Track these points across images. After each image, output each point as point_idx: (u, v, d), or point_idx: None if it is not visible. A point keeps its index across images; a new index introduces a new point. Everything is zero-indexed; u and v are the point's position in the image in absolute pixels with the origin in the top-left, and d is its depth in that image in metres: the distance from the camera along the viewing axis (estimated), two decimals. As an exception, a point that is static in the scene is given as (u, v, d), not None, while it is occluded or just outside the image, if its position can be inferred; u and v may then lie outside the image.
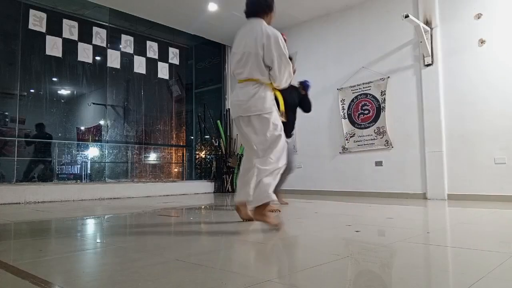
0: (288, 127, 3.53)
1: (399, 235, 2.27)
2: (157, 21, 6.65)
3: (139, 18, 6.51)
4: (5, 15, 5.72)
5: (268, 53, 2.47)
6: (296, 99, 3.92)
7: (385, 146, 5.46)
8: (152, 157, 7.90)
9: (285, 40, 2.66)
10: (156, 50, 6.77)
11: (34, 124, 6.31)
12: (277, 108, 2.64)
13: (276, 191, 3.26)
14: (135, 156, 7.40)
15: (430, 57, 5.05)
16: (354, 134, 5.82)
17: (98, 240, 2.30)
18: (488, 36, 4.69)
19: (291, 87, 3.57)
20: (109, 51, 6.22)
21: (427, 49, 5.02)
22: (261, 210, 2.45)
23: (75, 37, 5.71)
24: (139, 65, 6.55)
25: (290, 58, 2.65)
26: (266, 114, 2.51)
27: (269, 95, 2.57)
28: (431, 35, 5.08)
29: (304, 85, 3.97)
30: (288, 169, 3.68)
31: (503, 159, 4.50)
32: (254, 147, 2.57)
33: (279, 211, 3.54)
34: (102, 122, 7.18)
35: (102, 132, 6.96)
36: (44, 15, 5.43)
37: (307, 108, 4.01)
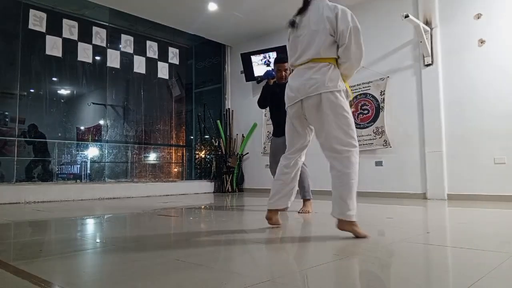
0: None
1: (399, 235, 2.27)
2: (157, 21, 6.64)
3: (139, 18, 6.50)
4: (5, 15, 5.71)
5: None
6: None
7: (384, 146, 5.46)
8: (152, 157, 7.90)
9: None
10: (156, 50, 6.77)
11: (29, 124, 6.28)
12: None
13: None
14: (135, 156, 7.40)
15: (430, 57, 5.05)
16: (354, 134, 5.82)
17: (98, 240, 2.30)
18: (488, 36, 4.69)
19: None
20: (109, 51, 6.21)
21: (427, 49, 5.02)
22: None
23: (75, 37, 5.71)
24: (139, 65, 6.54)
25: None
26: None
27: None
28: (431, 35, 5.08)
29: (268, 74, 3.64)
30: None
31: (503, 159, 4.50)
32: None
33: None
34: (102, 122, 7.18)
35: (102, 132, 6.96)
36: (44, 15, 5.43)
37: None
